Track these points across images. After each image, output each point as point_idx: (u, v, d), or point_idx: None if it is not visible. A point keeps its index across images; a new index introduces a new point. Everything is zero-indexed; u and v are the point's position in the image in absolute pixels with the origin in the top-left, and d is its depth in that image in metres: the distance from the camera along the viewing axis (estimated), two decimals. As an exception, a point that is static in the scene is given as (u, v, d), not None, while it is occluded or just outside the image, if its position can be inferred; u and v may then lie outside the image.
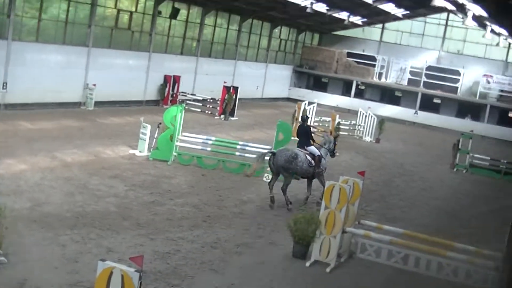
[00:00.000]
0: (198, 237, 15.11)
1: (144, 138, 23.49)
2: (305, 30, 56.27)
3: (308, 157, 19.28)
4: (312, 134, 20.38)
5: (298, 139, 20.37)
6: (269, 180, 19.85)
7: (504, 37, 46.87)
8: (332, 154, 21.04)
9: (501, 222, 19.36)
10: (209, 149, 23.77)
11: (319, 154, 19.80)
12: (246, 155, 23.39)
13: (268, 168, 20.30)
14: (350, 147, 32.98)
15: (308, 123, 20.77)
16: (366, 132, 37.27)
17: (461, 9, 38.17)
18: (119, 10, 34.83)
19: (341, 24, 52.47)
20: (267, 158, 19.83)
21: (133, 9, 35.89)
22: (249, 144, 24.12)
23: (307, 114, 22.35)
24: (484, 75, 51.47)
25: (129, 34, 36.06)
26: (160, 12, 37.57)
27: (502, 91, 51.19)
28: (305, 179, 19.88)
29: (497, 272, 12.82)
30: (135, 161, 22.41)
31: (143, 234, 14.63)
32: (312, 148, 19.77)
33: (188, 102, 37.95)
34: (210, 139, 24.03)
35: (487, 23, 39.46)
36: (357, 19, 52.44)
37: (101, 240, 13.78)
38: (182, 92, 38.99)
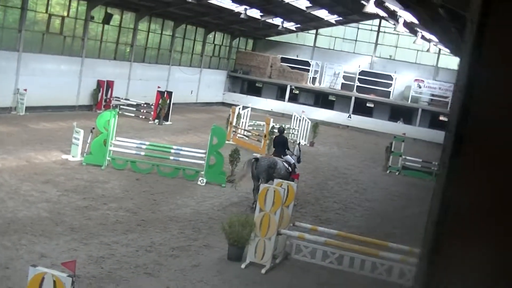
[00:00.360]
0: (132, 241, 14.96)
1: (77, 143, 23.14)
2: (239, 36, 56.46)
3: (285, 164, 20.32)
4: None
5: (274, 148, 21.95)
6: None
7: (434, 43, 47.94)
8: (299, 161, 21.82)
9: (432, 222, 19.70)
10: (143, 153, 23.58)
11: (294, 162, 20.88)
12: (180, 159, 23.31)
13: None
14: (285, 151, 33.14)
15: (284, 134, 22.27)
16: (300, 135, 37.54)
17: (393, 15, 38.89)
18: (50, 15, 34.27)
19: (275, 29, 52.86)
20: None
21: (65, 14, 35.36)
22: (183, 149, 24.03)
23: (284, 126, 22.68)
24: (416, 79, 52.58)
25: (61, 39, 35.52)
26: (92, 17, 37.13)
27: (433, 95, 52.32)
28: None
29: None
30: (68, 166, 22.05)
31: (76, 239, 14.40)
32: (288, 157, 20.89)
33: (121, 107, 37.60)
34: (144, 144, 23.86)
35: (418, 29, 40.29)
36: (291, 25, 52.88)
37: (33, 246, 13.51)
38: (116, 97, 38.61)
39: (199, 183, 22.02)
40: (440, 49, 52.07)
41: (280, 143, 21.54)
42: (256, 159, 20.11)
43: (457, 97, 0.94)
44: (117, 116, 23.39)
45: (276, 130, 23.76)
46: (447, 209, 0.95)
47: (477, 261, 0.96)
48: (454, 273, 0.98)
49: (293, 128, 37.92)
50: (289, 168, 20.39)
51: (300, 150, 22.18)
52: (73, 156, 23.12)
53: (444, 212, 0.96)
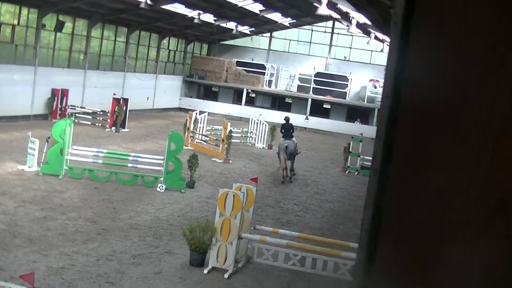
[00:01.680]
0: (93, 250, 14.91)
1: (33, 153, 22.93)
2: (194, 41, 56.41)
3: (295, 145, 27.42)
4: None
5: (283, 133, 28.05)
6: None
7: (388, 43, 48.46)
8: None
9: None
10: (100, 161, 23.47)
11: (296, 142, 27.89)
12: (139, 166, 23.27)
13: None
14: (242, 154, 33.28)
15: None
16: (258, 139, 37.69)
17: (346, 17, 39.26)
18: (0, 24, 33.88)
19: (229, 33, 52.97)
20: None
21: (15, 22, 34.99)
22: (141, 155, 24.01)
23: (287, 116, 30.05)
24: (371, 80, 53.08)
25: (13, 47, 35.13)
26: (44, 25, 36.79)
27: (388, 95, 52.80)
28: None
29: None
30: (24, 176, 21.84)
31: (35, 251, 14.31)
32: (294, 139, 27.82)
33: (77, 115, 37.33)
34: (102, 152, 23.76)
35: (371, 30, 40.72)
36: (245, 29, 53.04)
37: (-9, 259, 13.38)
38: (71, 105, 38.30)
39: (158, 189, 22.02)
40: (394, 49, 52.62)
41: (289, 128, 28.14)
42: (286, 146, 26.53)
43: (385, 103, 1.00)
44: (73, 124, 23.25)
45: (283, 120, 29.21)
46: (380, 216, 1.01)
47: (410, 269, 1.01)
48: (389, 282, 1.03)
49: (251, 132, 38.05)
50: (296, 146, 27.63)
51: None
52: (29, 167, 22.91)
53: (377, 220, 1.01)
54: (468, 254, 0.95)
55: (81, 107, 38.99)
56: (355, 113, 52.82)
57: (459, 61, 0.91)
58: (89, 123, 37.22)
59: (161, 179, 22.31)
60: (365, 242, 1.00)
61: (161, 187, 22.08)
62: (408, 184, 0.96)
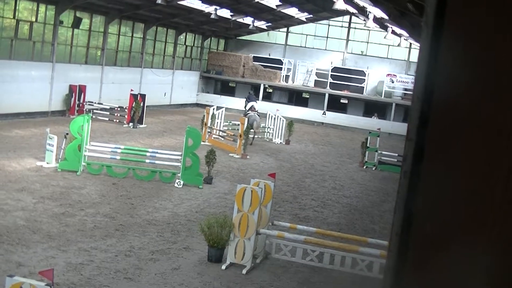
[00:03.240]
0: (111, 246, 14.97)
1: (51, 149, 23.04)
2: (211, 36, 56.45)
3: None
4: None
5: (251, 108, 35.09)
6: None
7: (405, 38, 48.28)
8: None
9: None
10: (118, 157, 23.52)
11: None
12: (156, 162, 23.36)
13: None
14: (260, 150, 33.29)
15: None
16: (275, 134, 37.68)
17: (363, 11, 39.14)
18: (18, 21, 34.05)
19: (246, 29, 52.95)
20: None
21: (33, 19, 35.16)
22: (159, 151, 24.07)
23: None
24: (388, 74, 52.87)
25: (30, 44, 35.30)
26: (61, 22, 36.94)
27: (405, 89, 52.65)
28: None
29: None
30: (43, 173, 21.95)
31: (54, 247, 14.38)
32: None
33: (95, 111, 37.46)
34: (119, 148, 23.81)
35: (388, 24, 40.58)
36: (261, 24, 52.99)
37: (10, 255, 13.47)
38: (89, 102, 38.46)
39: (176, 185, 22.06)
40: (411, 43, 52.46)
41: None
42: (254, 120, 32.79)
43: (416, 105, 0.98)
44: (90, 120, 23.34)
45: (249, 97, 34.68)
46: (411, 219, 0.99)
47: (442, 272, 0.99)
48: (421, 285, 1.01)
49: (268, 127, 38.03)
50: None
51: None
52: (47, 163, 23.02)
53: (408, 223, 0.99)
54: (501, 254, 0.93)
55: (98, 103, 39.14)
56: (373, 108, 52.67)
57: (492, 60, 0.89)
58: (107, 119, 37.35)
59: (179, 174, 22.35)
60: (396, 245, 0.98)
61: (179, 183, 22.12)
62: (439, 186, 0.94)
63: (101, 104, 39.13)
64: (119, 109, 38.29)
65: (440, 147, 0.94)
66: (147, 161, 23.54)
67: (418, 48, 0.97)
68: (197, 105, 53.71)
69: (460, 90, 0.93)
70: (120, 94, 40.57)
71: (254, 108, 35.27)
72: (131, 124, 36.67)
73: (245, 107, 37.14)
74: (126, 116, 37.28)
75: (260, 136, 36.97)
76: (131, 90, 38.97)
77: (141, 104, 37.09)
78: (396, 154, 32.73)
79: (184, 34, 52.04)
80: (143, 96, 37.65)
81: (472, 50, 0.91)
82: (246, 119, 32.04)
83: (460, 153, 0.93)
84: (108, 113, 38.22)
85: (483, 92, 0.91)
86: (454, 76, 0.93)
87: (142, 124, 37.18)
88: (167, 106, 49.92)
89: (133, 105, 36.83)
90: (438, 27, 0.93)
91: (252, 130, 33.45)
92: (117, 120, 37.49)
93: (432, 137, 0.94)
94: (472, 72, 0.91)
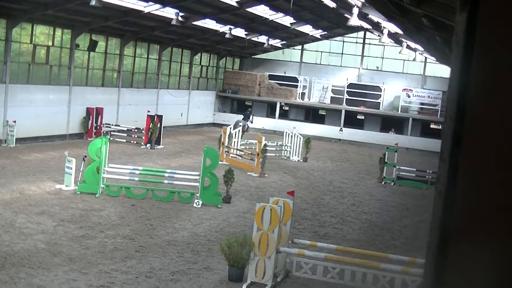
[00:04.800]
0: (131, 267, 14.98)
1: (70, 172, 23.15)
2: (226, 55, 56.67)
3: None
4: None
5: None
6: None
7: (420, 52, 48.18)
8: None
9: (430, 231, 19.76)
10: (137, 179, 23.58)
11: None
12: (175, 182, 23.41)
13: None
14: (278, 168, 33.27)
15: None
16: (293, 152, 37.63)
17: (377, 27, 39.10)
18: (35, 45, 34.37)
19: (261, 47, 53.10)
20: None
21: (50, 44, 35.48)
22: (177, 172, 24.13)
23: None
24: (404, 89, 52.72)
25: (48, 68, 35.60)
26: (78, 45, 37.24)
27: (422, 104, 52.49)
28: None
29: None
30: (62, 195, 22.04)
31: (75, 269, 14.41)
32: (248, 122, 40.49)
33: (112, 133, 37.64)
34: (138, 169, 23.87)
35: (403, 39, 40.51)
36: (276, 42, 53.14)
37: (32, 279, 13.51)
38: (106, 124, 38.66)
39: (195, 205, 22.07)
40: (426, 58, 52.34)
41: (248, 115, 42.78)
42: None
43: (448, 125, 0.98)
44: (108, 142, 23.44)
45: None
46: (445, 240, 0.97)
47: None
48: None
49: (285, 145, 38.02)
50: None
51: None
52: (66, 186, 23.12)
53: (444, 244, 0.98)
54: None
55: (116, 125, 39.33)
56: (389, 123, 52.54)
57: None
58: (124, 140, 37.50)
59: (198, 194, 22.37)
60: (432, 266, 0.97)
61: (197, 203, 22.13)
62: (475, 205, 0.93)
63: (119, 126, 39.31)
64: (136, 130, 38.46)
65: (474, 166, 0.93)
66: (166, 181, 23.60)
67: (450, 67, 0.96)
68: (214, 124, 53.84)
69: (493, 108, 0.92)
70: (137, 116, 40.78)
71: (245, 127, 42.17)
72: (148, 145, 36.77)
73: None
74: (143, 138, 37.40)
75: (277, 155, 36.93)
76: (148, 111, 39.16)
77: (158, 125, 37.21)
78: (415, 169, 32.68)
79: (199, 54, 52.29)
80: (160, 117, 37.78)
81: (503, 68, 0.90)
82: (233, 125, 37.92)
83: (495, 171, 0.92)
84: (125, 134, 38.40)
85: (517, 110, 0.90)
86: (486, 94, 0.92)
87: (159, 145, 37.29)
88: (184, 126, 50.08)
89: (150, 126, 36.96)
90: (468, 46, 0.93)
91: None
92: (135, 142, 37.63)
93: (466, 156, 0.93)
94: (505, 90, 0.91)
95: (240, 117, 46.06)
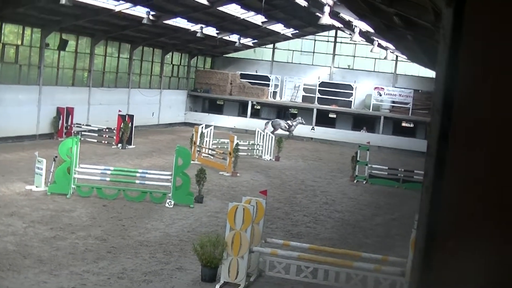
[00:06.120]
0: (103, 269, 14.87)
1: (40, 172, 22.93)
2: (197, 54, 56.57)
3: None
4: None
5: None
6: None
7: (391, 51, 48.49)
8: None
9: (403, 229, 19.94)
10: (108, 179, 23.42)
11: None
12: (146, 182, 23.31)
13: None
14: (250, 167, 33.26)
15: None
16: (265, 151, 37.65)
17: (348, 26, 39.25)
18: (4, 44, 33.99)
19: (232, 46, 53.09)
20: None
21: (19, 43, 35.12)
22: (149, 171, 24.03)
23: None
24: (376, 87, 53.04)
25: (17, 68, 35.24)
26: (47, 44, 36.90)
27: (393, 102, 52.83)
28: None
29: (405, 278, 13.22)
30: (33, 196, 21.83)
31: (45, 271, 14.27)
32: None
33: (83, 133, 37.37)
34: (109, 169, 23.71)
35: (374, 38, 40.71)
36: (248, 41, 53.14)
37: (1, 281, 13.36)
38: (77, 124, 38.35)
39: (167, 205, 21.98)
40: (397, 56, 52.69)
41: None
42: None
43: (435, 119, 0.96)
44: (79, 142, 23.27)
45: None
46: (433, 237, 0.96)
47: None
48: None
49: (257, 144, 38.00)
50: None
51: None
52: (37, 187, 22.90)
53: (431, 239, 0.97)
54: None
55: (86, 125, 39.04)
56: (361, 121, 52.84)
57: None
58: (95, 140, 37.24)
59: (170, 194, 22.28)
60: (419, 262, 0.96)
61: (169, 203, 22.04)
62: (462, 201, 0.92)
63: (89, 126, 39.03)
64: (107, 130, 38.22)
65: (461, 161, 0.92)
66: (137, 182, 23.50)
67: (437, 61, 0.95)
68: (186, 124, 53.68)
69: (480, 102, 0.91)
70: (108, 115, 40.49)
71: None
72: (120, 145, 36.57)
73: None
74: (114, 137, 37.18)
75: (249, 154, 36.93)
76: (119, 111, 38.90)
77: (130, 125, 37.02)
78: (386, 167, 32.86)
79: (170, 53, 52.12)
80: (131, 117, 37.59)
81: (490, 62, 0.89)
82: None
83: (483, 166, 0.91)
84: (96, 134, 38.14)
85: (505, 103, 0.89)
86: (473, 88, 0.91)
87: (131, 145, 37.10)
88: (156, 126, 49.88)
89: (121, 126, 36.76)
90: (455, 40, 0.91)
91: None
92: (106, 142, 37.39)
93: (454, 150, 0.92)
94: (493, 82, 0.89)
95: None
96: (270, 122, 48.10)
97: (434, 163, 0.91)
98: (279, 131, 46.87)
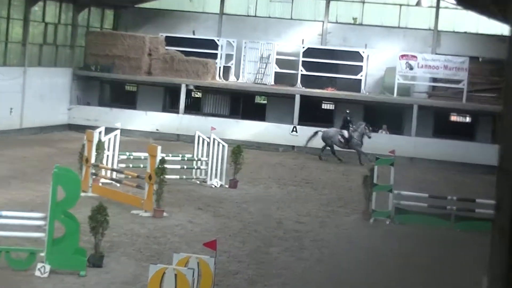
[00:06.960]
0: None
1: None
2: (89, 6, 56.27)
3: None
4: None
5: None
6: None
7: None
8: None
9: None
10: None
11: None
12: (0, 232, 22.75)
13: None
14: (186, 200, 33.05)
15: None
16: (211, 171, 37.32)
17: None
18: None
19: (150, -12, 53.09)
20: None
21: None
22: (3, 213, 23.48)
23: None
24: (403, 55, 53.01)
25: None
26: None
27: (434, 80, 52.97)
28: None
29: None
30: None
31: None
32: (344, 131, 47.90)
33: None
34: None
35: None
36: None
37: None
38: None
39: (37, 273, 21.49)
40: (438, 1, 52.86)
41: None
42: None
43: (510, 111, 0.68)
44: None
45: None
46: None
47: None
48: None
49: (199, 159, 37.66)
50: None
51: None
52: None
53: None
54: None
55: None
56: (378, 115, 52.83)
57: None
58: None
59: (43, 254, 21.80)
60: None
61: (42, 269, 21.56)
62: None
63: None
64: None
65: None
66: (-18, 231, 23.05)
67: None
68: (70, 127, 53.43)
69: None
70: None
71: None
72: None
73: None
74: None
75: (184, 177, 36.57)
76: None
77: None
78: (426, 195, 32.70)
79: (41, 2, 51.64)
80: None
81: None
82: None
83: None
84: None
85: None
86: None
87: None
88: (16, 132, 49.41)
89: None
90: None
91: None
92: None
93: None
94: None
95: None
96: (320, 133, 49.91)
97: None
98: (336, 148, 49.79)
